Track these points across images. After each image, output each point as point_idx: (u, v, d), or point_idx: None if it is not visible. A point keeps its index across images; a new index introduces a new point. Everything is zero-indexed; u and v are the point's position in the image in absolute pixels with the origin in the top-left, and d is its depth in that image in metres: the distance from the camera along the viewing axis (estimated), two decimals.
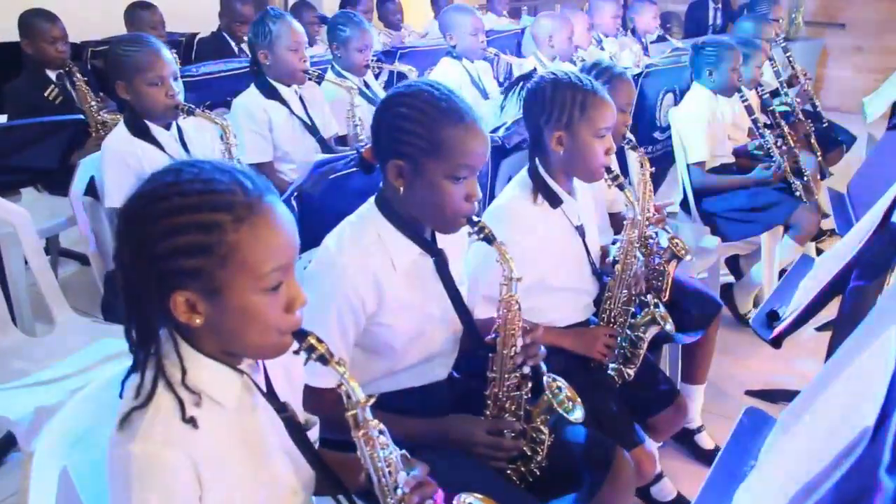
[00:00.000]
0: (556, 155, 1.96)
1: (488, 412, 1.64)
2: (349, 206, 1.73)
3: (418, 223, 1.65)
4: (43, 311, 2.56)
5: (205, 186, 1.07)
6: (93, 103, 3.56)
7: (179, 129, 2.59)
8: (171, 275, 1.06)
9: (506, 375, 1.60)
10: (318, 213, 1.95)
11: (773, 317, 1.84)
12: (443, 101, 1.54)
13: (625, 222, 2.07)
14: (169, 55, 2.49)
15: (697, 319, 2.45)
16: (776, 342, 1.78)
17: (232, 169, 1.11)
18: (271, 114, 3.03)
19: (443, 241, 1.69)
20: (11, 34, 3.70)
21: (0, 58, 3.82)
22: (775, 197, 3.43)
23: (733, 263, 3.81)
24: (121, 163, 2.45)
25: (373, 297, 1.58)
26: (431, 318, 1.67)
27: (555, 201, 2.01)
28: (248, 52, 4.43)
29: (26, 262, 2.43)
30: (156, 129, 2.52)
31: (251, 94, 3.06)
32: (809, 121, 4.21)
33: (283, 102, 3.07)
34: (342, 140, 3.37)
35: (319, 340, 1.14)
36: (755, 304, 3.70)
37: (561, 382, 1.61)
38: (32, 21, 3.56)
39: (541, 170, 2.00)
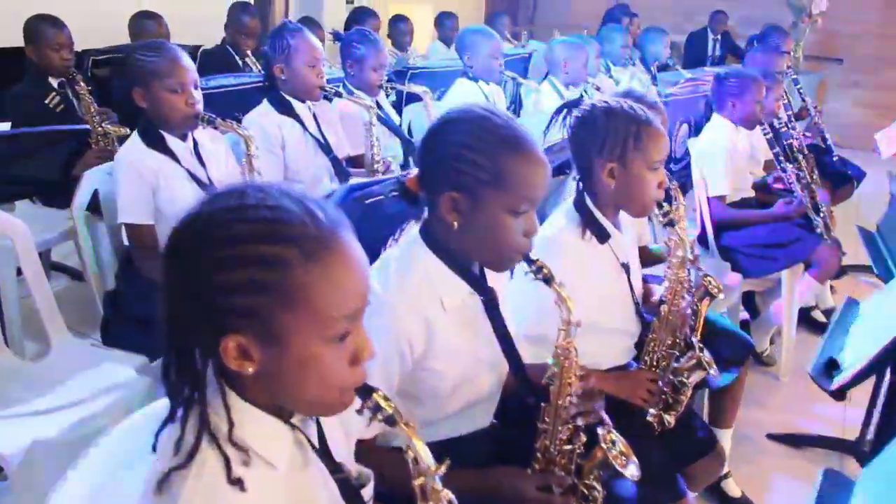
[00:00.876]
0: (606, 187, 1.85)
1: (537, 465, 1.51)
2: (382, 233, 1.62)
3: (467, 258, 1.53)
4: (36, 331, 2.44)
5: (272, 214, 0.94)
6: (95, 113, 3.42)
7: (195, 141, 2.46)
8: (224, 314, 0.93)
9: (558, 427, 1.47)
10: None
11: (832, 366, 1.74)
12: (503, 129, 1.43)
13: (671, 260, 1.96)
14: (190, 62, 2.37)
15: (729, 360, 2.34)
16: (839, 394, 1.68)
17: (302, 197, 0.98)
18: (284, 130, 2.91)
19: (490, 277, 1.58)
20: (14, 39, 3.57)
21: (3, 63, 3.66)
22: (796, 233, 3.35)
23: (748, 300, 3.71)
24: (136, 176, 2.32)
25: (422, 341, 1.45)
26: (479, 361, 1.55)
27: (603, 236, 1.90)
28: (252, 65, 4.33)
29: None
30: (171, 140, 2.40)
31: (264, 110, 2.93)
32: (812, 155, 4.13)
33: (297, 119, 2.95)
34: (353, 160, 3.24)
35: (386, 398, 1.01)
36: (771, 342, 3.61)
37: (615, 436, 1.48)
38: (38, 26, 3.42)
39: (589, 202, 1.88)
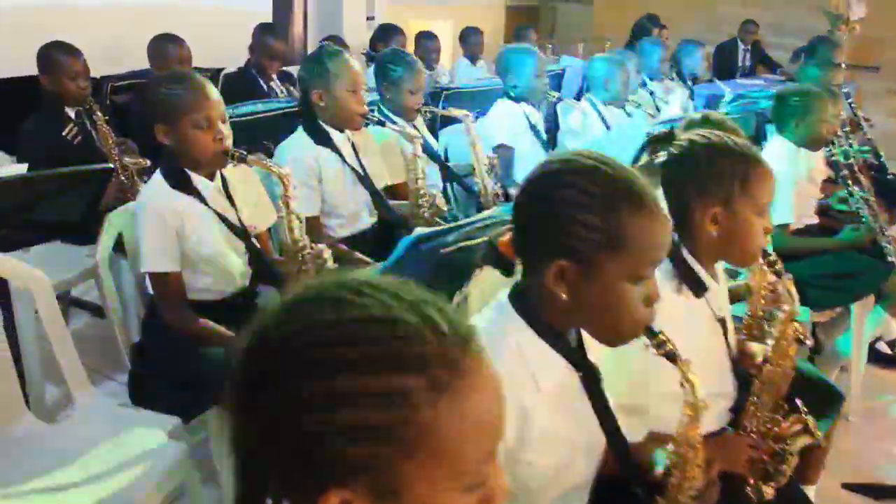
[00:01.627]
0: (707, 235, 1.62)
1: None
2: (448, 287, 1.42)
3: (565, 328, 1.32)
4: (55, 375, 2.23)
5: (386, 330, 0.72)
6: (114, 144, 3.22)
7: (224, 180, 2.25)
8: (326, 464, 0.71)
9: None
10: None
11: None
12: (619, 181, 1.22)
13: (776, 314, 1.73)
14: (217, 94, 2.16)
15: (819, 412, 2.10)
16: None
17: (416, 298, 0.76)
18: (321, 162, 2.70)
19: (591, 348, 1.36)
20: (27, 68, 3.39)
21: (17, 93, 3.47)
22: (865, 262, 3.10)
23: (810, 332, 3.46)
24: (159, 220, 2.11)
25: (513, 430, 1.23)
26: (577, 447, 1.32)
27: (699, 289, 1.67)
28: (277, 89, 4.14)
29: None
30: (197, 180, 2.18)
31: (299, 140, 2.72)
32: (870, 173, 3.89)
33: (335, 149, 2.73)
34: (391, 190, 3.03)
35: None
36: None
37: None
38: (53, 54, 3.22)
39: (685, 251, 1.66)
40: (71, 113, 3.29)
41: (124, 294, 2.51)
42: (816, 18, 8.23)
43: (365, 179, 2.81)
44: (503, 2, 9.52)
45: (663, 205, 1.27)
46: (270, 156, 3.19)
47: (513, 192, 3.22)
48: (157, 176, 2.19)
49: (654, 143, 1.78)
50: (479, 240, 1.69)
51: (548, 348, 1.30)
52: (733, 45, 8.44)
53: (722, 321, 1.74)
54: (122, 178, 3.14)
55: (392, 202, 2.92)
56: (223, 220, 2.20)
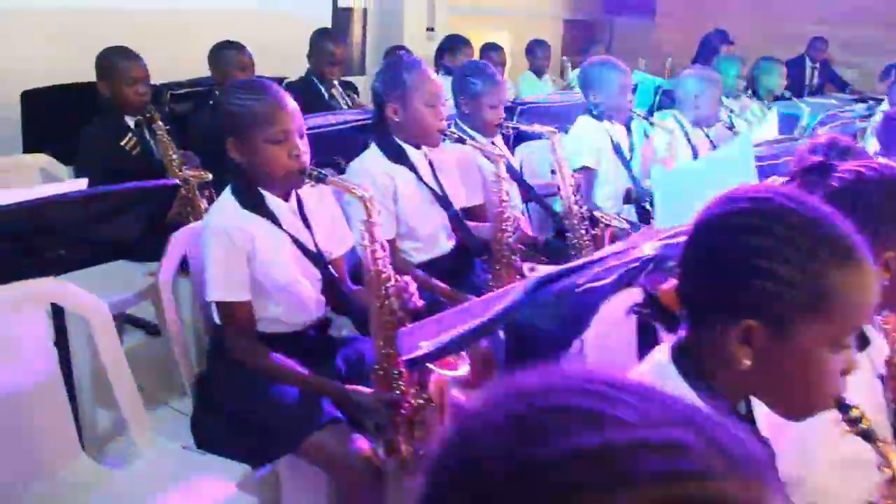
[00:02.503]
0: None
1: None
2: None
3: (736, 395, 1.09)
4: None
5: (664, 461, 0.49)
6: (174, 156, 3.04)
7: (299, 201, 2.03)
8: None
9: None
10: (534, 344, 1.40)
11: None
12: (824, 227, 0.99)
13: None
14: (295, 106, 1.95)
15: None
16: None
17: (687, 409, 0.55)
18: (398, 181, 2.47)
19: (763, 421, 1.12)
20: (84, 74, 3.22)
21: (74, 101, 3.30)
22: None
23: None
24: (228, 244, 1.89)
25: None
26: None
27: (864, 342, 1.40)
28: (338, 97, 3.94)
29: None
30: (271, 200, 1.97)
31: (374, 157, 2.50)
32: None
33: (412, 167, 2.51)
34: (467, 212, 2.79)
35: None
36: None
37: None
38: (112, 59, 3.05)
39: None
40: (130, 122, 3.12)
41: (183, 316, 2.31)
42: (886, 34, 7.88)
43: (443, 200, 2.58)
44: (560, 15, 9.28)
45: None
46: (341, 172, 2.99)
47: (598, 214, 2.97)
48: (227, 194, 1.98)
49: (807, 173, 1.52)
50: (606, 280, 1.45)
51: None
52: (801, 63, 8.10)
53: (882, 378, 1.49)
54: (183, 191, 2.96)
55: (472, 224, 2.69)
56: (298, 244, 1.98)
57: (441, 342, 1.41)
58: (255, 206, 1.95)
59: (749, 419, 1.13)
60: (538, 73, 6.00)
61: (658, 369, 1.10)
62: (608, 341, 1.75)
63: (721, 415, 1.04)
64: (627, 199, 3.53)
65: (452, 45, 5.10)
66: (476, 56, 5.19)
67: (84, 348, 2.06)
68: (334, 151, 2.88)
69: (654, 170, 2.53)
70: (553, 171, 3.75)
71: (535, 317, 1.33)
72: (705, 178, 2.49)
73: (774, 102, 5.28)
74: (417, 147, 2.53)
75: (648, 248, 1.49)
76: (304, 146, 1.91)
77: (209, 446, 1.91)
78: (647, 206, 3.41)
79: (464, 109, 2.90)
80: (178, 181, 2.51)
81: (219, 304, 1.92)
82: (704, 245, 1.07)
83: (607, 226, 2.84)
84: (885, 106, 4.44)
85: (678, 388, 1.07)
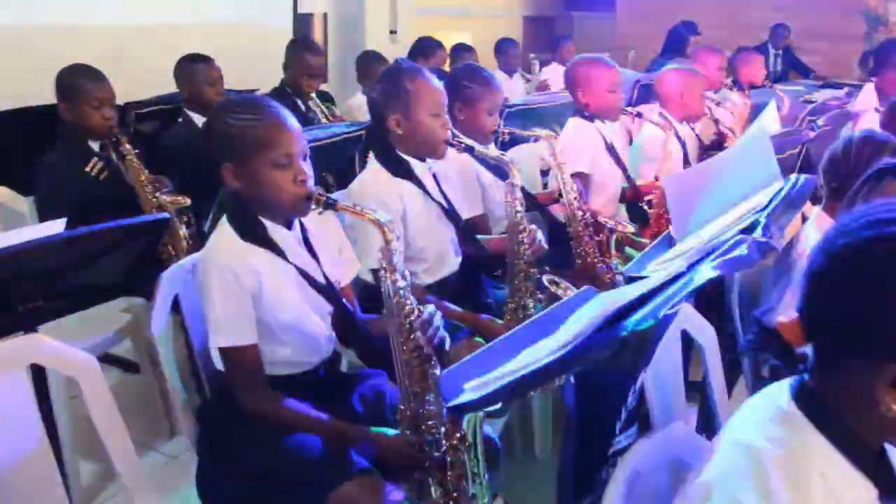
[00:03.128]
0: None
1: None
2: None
3: (874, 443, 0.95)
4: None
5: None
6: (146, 182, 2.81)
7: (303, 228, 1.84)
8: None
9: None
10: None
11: None
12: None
13: None
14: (297, 124, 1.75)
15: None
16: None
17: None
18: (406, 199, 2.29)
19: None
20: (42, 96, 2.97)
21: (31, 125, 3.04)
22: None
23: None
24: (231, 281, 1.69)
25: None
26: None
27: None
28: (316, 109, 3.74)
29: None
30: (274, 230, 1.77)
31: (376, 174, 2.31)
32: None
33: (418, 182, 2.33)
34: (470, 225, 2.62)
35: None
36: None
37: None
38: (75, 81, 2.80)
39: None
40: (95, 146, 2.88)
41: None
42: (851, 21, 7.90)
43: (451, 214, 2.40)
44: (519, 11, 9.16)
45: None
46: (329, 191, 2.80)
47: (601, 220, 2.81)
48: (225, 227, 1.77)
49: (883, 175, 1.39)
50: (676, 305, 1.28)
51: (853, 471, 0.94)
52: (764, 51, 8.06)
53: None
54: None
55: (482, 238, 2.52)
56: (306, 277, 1.79)
57: (492, 389, 1.23)
58: (257, 237, 1.75)
59: (887, 465, 0.98)
60: (509, 72, 5.83)
61: (788, 421, 0.94)
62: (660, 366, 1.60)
63: (862, 469, 0.90)
64: (622, 198, 3.40)
65: (424, 47, 4.91)
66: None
67: (65, 405, 1.84)
68: (322, 168, 2.69)
69: (666, 178, 2.37)
70: (543, 174, 3.63)
71: (606, 354, 1.16)
72: (721, 179, 2.34)
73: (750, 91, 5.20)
74: (421, 160, 2.35)
75: (707, 271, 1.33)
76: (308, 169, 1.72)
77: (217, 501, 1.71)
78: (644, 207, 3.28)
79: (458, 115, 2.71)
80: (168, 214, 2.27)
81: (224, 350, 1.72)
82: (839, 273, 0.91)
83: (612, 231, 2.69)
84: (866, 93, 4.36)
85: (815, 442, 0.92)
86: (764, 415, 0.98)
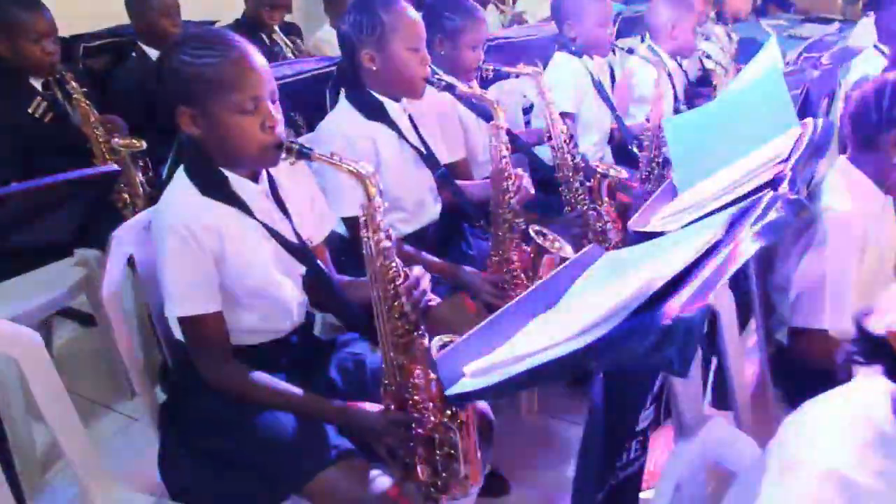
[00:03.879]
0: None
1: None
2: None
3: None
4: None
5: None
6: (96, 123, 2.56)
7: (271, 180, 1.63)
8: None
9: None
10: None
11: None
12: None
13: None
14: (264, 63, 1.52)
15: None
16: None
17: None
18: (379, 143, 2.08)
19: None
20: None
21: None
22: None
23: None
24: (191, 247, 1.48)
25: None
26: None
27: None
28: (281, 43, 3.47)
29: None
30: (238, 183, 1.56)
31: (347, 115, 2.10)
32: None
33: (392, 125, 2.12)
34: (450, 169, 2.42)
35: None
36: None
37: None
38: (10, 12, 2.51)
39: None
40: (37, 84, 2.61)
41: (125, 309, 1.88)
42: None
43: (430, 159, 2.20)
44: None
45: None
46: (298, 134, 2.58)
47: (593, 164, 2.62)
48: (181, 179, 1.55)
49: None
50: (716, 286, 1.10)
51: None
52: None
53: None
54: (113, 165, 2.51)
55: (463, 183, 2.32)
56: (275, 235, 1.58)
57: (500, 379, 1.06)
58: (219, 191, 1.54)
59: None
60: (482, 2, 5.50)
61: (890, 445, 0.77)
62: None
63: None
64: (610, 140, 3.21)
65: None
66: None
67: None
68: (291, 108, 2.47)
69: (666, 122, 2.17)
70: (525, 111, 3.41)
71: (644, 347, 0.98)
72: (728, 123, 2.15)
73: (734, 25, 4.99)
74: (396, 100, 2.13)
75: (750, 241, 1.14)
76: (278, 114, 1.50)
77: (186, 495, 1.53)
78: (634, 149, 3.10)
79: (438, 50, 2.48)
80: (118, 167, 2.03)
81: (183, 320, 1.53)
82: None
83: (604, 176, 2.50)
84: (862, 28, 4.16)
85: None
86: (859, 437, 0.80)
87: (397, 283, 1.46)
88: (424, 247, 2.17)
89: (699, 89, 4.31)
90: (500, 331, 1.23)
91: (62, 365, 2.95)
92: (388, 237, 1.45)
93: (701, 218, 1.53)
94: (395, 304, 1.45)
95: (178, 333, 1.58)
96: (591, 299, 1.16)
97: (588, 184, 2.57)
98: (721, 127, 2.17)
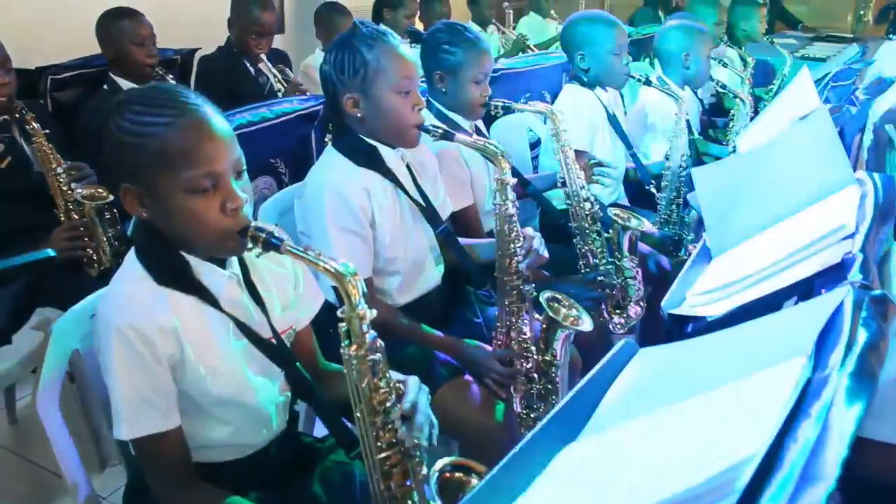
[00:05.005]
0: None
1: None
2: None
3: None
4: None
5: None
6: (58, 168, 2.29)
7: (242, 264, 1.36)
8: None
9: None
10: None
11: None
12: None
13: None
14: (225, 127, 1.25)
15: None
16: None
17: None
18: (373, 197, 1.80)
19: None
20: None
21: None
22: None
23: None
24: (141, 354, 1.21)
25: None
26: None
27: None
28: (267, 73, 3.22)
29: None
30: (201, 269, 1.29)
31: (336, 165, 1.82)
32: None
33: (388, 174, 1.85)
34: (455, 220, 2.16)
35: None
36: None
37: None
38: None
39: None
40: None
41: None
42: None
43: (431, 214, 1.93)
44: None
45: None
46: (281, 185, 2.31)
47: (612, 213, 2.35)
48: (132, 264, 1.28)
49: None
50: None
51: None
52: None
53: None
54: (76, 217, 2.24)
55: (466, 242, 2.05)
56: (247, 332, 1.31)
57: None
58: (179, 280, 1.27)
59: None
60: (482, 24, 5.26)
61: None
62: None
63: None
64: (625, 179, 2.95)
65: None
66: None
67: None
68: (271, 153, 2.20)
69: (696, 172, 1.90)
70: (533, 146, 3.15)
71: None
72: (769, 175, 1.88)
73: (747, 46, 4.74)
74: (392, 147, 1.87)
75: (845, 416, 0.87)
76: (243, 192, 1.23)
77: None
78: (652, 189, 2.84)
79: (439, 87, 2.23)
80: (52, 253, 1.75)
81: (136, 441, 1.25)
82: None
83: (625, 227, 2.23)
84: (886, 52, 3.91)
85: None
86: None
87: (388, 405, 1.19)
88: (425, 315, 1.90)
89: (714, 118, 4.08)
90: (523, 470, 0.97)
91: (25, 431, 2.69)
92: (376, 349, 1.17)
93: (752, 307, 1.29)
94: (386, 431, 1.18)
95: (133, 451, 1.31)
96: (640, 440, 0.90)
97: (606, 235, 2.31)
98: (758, 179, 1.89)
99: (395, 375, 1.21)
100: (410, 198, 1.90)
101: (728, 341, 1.15)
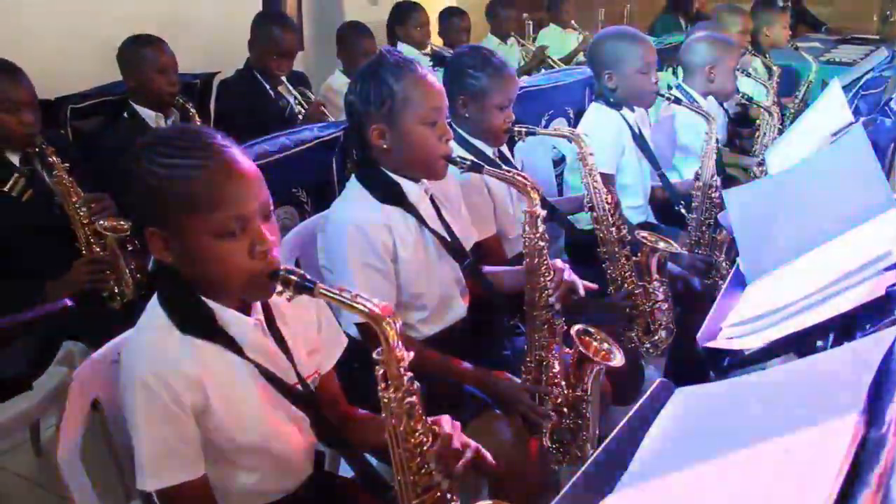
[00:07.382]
0: None
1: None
2: None
3: None
4: None
5: None
6: (80, 202, 2.27)
7: (267, 309, 1.32)
8: None
9: None
10: None
11: None
12: None
13: None
14: (253, 169, 1.22)
15: None
16: None
17: None
18: (396, 233, 1.77)
19: None
20: None
21: None
22: None
23: None
24: (158, 404, 1.18)
25: None
26: None
27: None
28: (287, 95, 3.19)
29: None
30: (226, 317, 1.25)
31: (359, 201, 1.78)
32: None
33: (411, 209, 1.81)
34: (479, 250, 2.12)
35: None
36: None
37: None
38: None
39: None
40: (13, 158, 2.32)
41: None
42: None
43: (456, 248, 1.89)
44: None
45: None
46: (303, 215, 2.28)
47: (640, 236, 2.30)
48: (154, 311, 1.25)
49: None
50: None
51: None
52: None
53: None
54: (98, 250, 2.22)
55: (491, 270, 2.01)
56: (272, 380, 1.28)
57: None
58: (203, 328, 1.24)
59: None
60: (502, 37, 5.22)
61: None
62: None
63: None
64: (652, 199, 2.89)
65: (403, 13, 4.29)
66: (434, 24, 4.46)
67: None
68: (292, 182, 2.17)
69: (729, 195, 1.83)
70: (558, 164, 3.10)
71: None
72: (804, 198, 1.82)
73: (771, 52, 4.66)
74: (415, 180, 1.83)
75: None
76: (272, 233, 1.20)
77: None
78: (682, 210, 2.78)
79: (462, 112, 2.19)
80: (70, 302, 1.72)
81: (161, 493, 1.22)
82: None
83: (654, 250, 2.18)
84: None
85: None
86: None
87: (425, 447, 1.15)
88: (451, 348, 1.86)
89: (740, 129, 4.01)
90: None
91: (50, 463, 2.66)
92: (411, 391, 1.14)
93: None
94: (421, 474, 1.15)
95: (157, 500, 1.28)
96: (684, 496, 0.86)
97: (635, 258, 2.26)
98: (793, 202, 1.83)
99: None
100: (434, 232, 1.86)
101: (771, 386, 1.10)
